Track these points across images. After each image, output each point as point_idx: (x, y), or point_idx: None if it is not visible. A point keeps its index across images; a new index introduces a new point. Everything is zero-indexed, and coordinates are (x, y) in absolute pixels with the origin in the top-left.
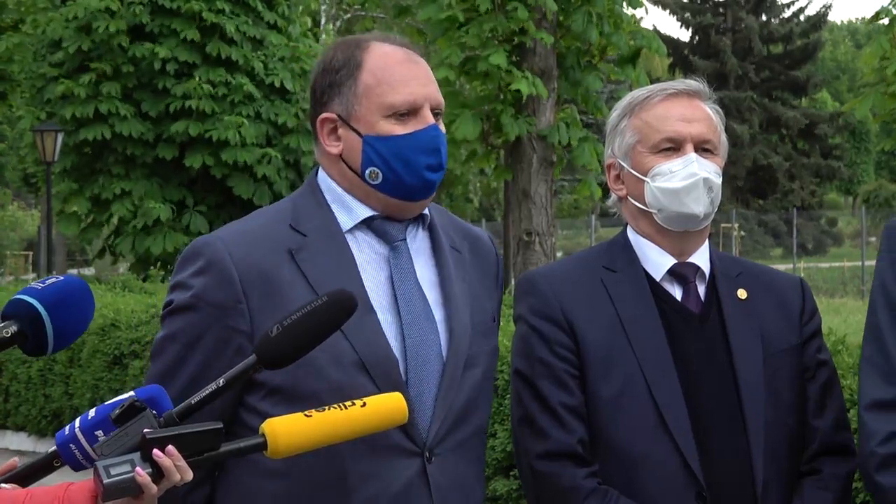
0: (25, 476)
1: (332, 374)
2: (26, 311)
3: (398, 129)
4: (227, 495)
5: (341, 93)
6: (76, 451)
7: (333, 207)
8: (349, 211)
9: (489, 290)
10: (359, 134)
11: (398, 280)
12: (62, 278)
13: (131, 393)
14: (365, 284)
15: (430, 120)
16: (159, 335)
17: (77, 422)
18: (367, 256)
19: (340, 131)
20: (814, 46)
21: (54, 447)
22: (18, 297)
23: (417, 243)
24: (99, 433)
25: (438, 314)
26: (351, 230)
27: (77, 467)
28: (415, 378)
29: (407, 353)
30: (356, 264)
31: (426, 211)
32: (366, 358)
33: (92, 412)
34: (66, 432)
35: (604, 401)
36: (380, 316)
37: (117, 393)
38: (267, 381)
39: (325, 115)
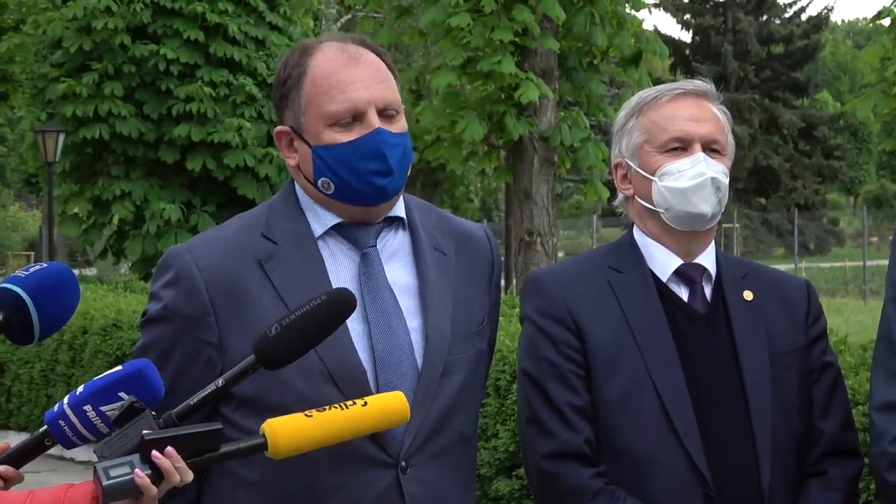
0: (18, 457)
1: (298, 384)
2: (10, 300)
3: (342, 137)
4: (208, 499)
5: (290, 105)
6: (66, 427)
7: (307, 214)
8: (319, 218)
9: (480, 289)
10: (308, 145)
11: (366, 286)
12: (45, 265)
13: (118, 368)
14: None
15: (375, 124)
16: (139, 343)
17: (66, 399)
18: (338, 263)
19: (295, 143)
20: (814, 47)
21: (45, 426)
22: (2, 285)
23: (395, 246)
24: (87, 408)
25: (415, 321)
26: (322, 237)
27: (68, 445)
28: (386, 387)
29: (377, 362)
30: (326, 272)
31: (400, 213)
32: (333, 368)
33: (80, 388)
34: (55, 409)
35: (610, 401)
36: (349, 325)
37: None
38: (237, 393)
39: (280, 127)
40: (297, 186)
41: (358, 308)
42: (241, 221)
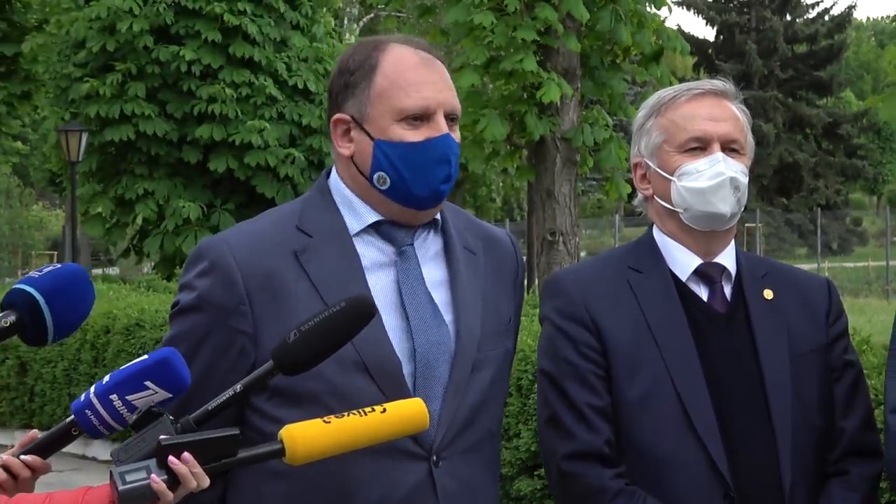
0: (45, 446)
1: (333, 375)
2: (24, 300)
3: (410, 136)
4: (234, 494)
5: (356, 94)
6: (92, 416)
7: (342, 210)
8: (357, 215)
9: (506, 290)
10: (370, 137)
11: (405, 284)
12: (59, 266)
13: (145, 357)
14: (370, 287)
15: (444, 128)
16: (167, 335)
17: (92, 388)
18: (374, 259)
19: (353, 133)
20: (839, 47)
21: (72, 416)
22: (16, 286)
23: (428, 246)
24: (113, 397)
25: (447, 317)
26: (359, 233)
27: (94, 434)
28: (422, 381)
29: (416, 355)
30: (362, 267)
31: (437, 215)
32: (367, 359)
33: (106, 378)
34: (82, 399)
35: (630, 401)
36: (385, 318)
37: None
38: (269, 383)
39: (338, 115)
40: (333, 182)
41: (395, 303)
42: (275, 216)
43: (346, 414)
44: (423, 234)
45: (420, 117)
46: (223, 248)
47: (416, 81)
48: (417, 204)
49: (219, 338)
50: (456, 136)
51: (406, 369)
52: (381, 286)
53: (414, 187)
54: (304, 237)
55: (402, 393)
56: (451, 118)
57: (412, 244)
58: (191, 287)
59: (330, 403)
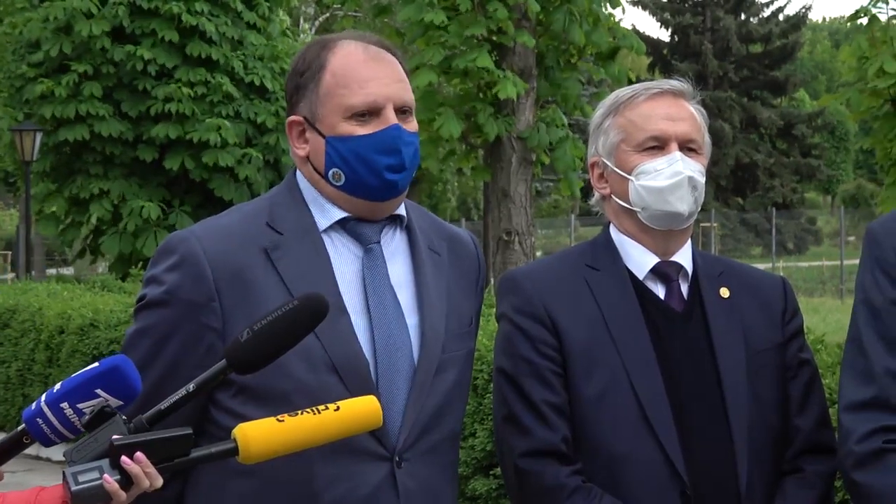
0: None
1: (301, 373)
2: None
3: (359, 130)
4: (195, 493)
5: (306, 95)
6: (43, 424)
7: (311, 207)
8: (324, 211)
9: (468, 291)
10: (322, 135)
11: (370, 282)
12: None
13: (95, 364)
14: (339, 285)
15: (392, 120)
16: (131, 329)
17: (43, 396)
18: (342, 257)
19: (307, 133)
20: (793, 47)
21: (23, 424)
22: None
23: (394, 245)
24: (64, 405)
25: (412, 318)
26: (326, 230)
27: (46, 442)
28: (385, 381)
29: (377, 355)
30: (331, 264)
31: (402, 212)
32: (336, 358)
33: (57, 386)
34: (33, 408)
35: (587, 399)
36: (352, 317)
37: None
38: (236, 380)
39: (292, 117)
40: (301, 180)
41: (360, 302)
42: (243, 212)
43: (299, 412)
44: (389, 232)
45: (368, 113)
46: (193, 243)
47: (362, 78)
48: (373, 195)
49: (187, 333)
50: (409, 127)
51: (371, 368)
52: (348, 284)
53: (366, 179)
54: (275, 234)
55: (368, 392)
56: (402, 110)
57: (379, 242)
58: (159, 281)
59: (297, 401)
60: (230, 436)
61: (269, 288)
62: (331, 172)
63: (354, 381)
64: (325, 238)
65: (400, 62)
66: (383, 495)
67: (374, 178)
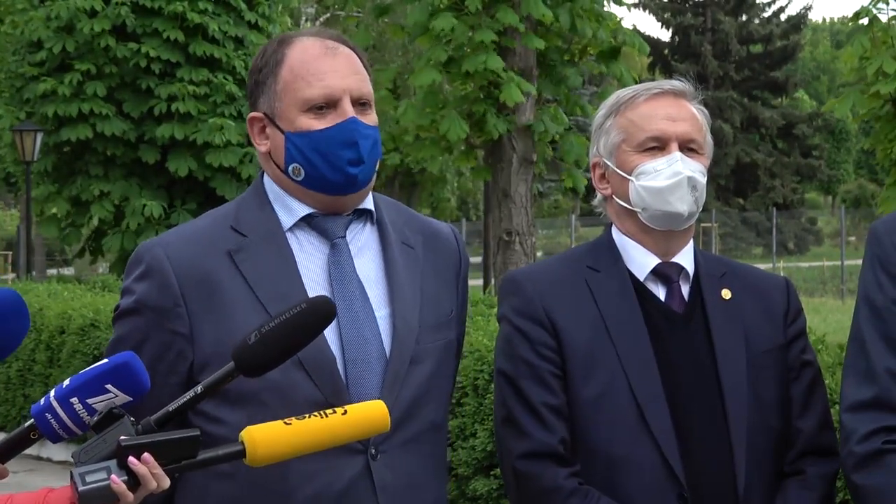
0: (3, 451)
1: (269, 372)
2: None
3: (316, 124)
4: (183, 493)
5: (265, 91)
6: (52, 420)
7: (275, 206)
8: (289, 209)
9: (447, 283)
10: (281, 131)
11: (336, 276)
12: None
13: (105, 360)
14: (304, 283)
15: (349, 113)
16: (111, 338)
17: (52, 391)
18: (307, 254)
19: (268, 130)
20: (793, 47)
21: (31, 420)
22: None
23: (364, 239)
24: (74, 400)
25: (383, 311)
26: (291, 229)
27: (54, 438)
28: (354, 375)
29: (344, 350)
30: (295, 262)
31: (370, 206)
32: (301, 355)
33: (66, 381)
34: (42, 403)
35: (586, 401)
36: None
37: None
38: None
39: (252, 114)
40: (266, 179)
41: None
42: (213, 216)
43: (307, 416)
44: (357, 227)
45: (325, 106)
46: (158, 251)
47: (318, 71)
48: (332, 189)
49: (157, 340)
50: (368, 120)
51: (339, 364)
52: (314, 281)
53: (326, 173)
54: (239, 237)
55: (336, 388)
56: (360, 103)
57: (344, 237)
58: (130, 291)
59: (266, 400)
60: (205, 439)
61: (234, 290)
62: (291, 167)
63: (321, 376)
64: (290, 236)
65: (359, 56)
66: (359, 489)
67: (332, 172)
